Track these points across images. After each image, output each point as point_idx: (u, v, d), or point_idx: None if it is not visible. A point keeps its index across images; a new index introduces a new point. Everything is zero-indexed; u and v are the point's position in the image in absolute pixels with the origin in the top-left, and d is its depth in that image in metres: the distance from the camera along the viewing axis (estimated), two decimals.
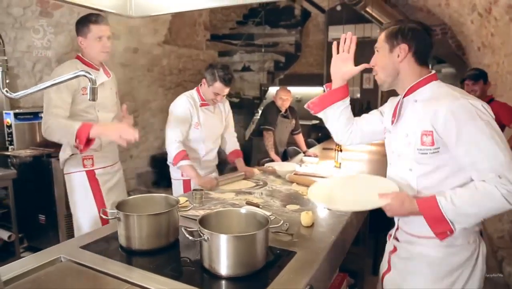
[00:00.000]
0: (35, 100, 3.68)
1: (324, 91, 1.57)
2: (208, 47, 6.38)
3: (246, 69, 6.63)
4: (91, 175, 2.14)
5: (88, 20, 2.00)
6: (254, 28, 6.89)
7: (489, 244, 3.49)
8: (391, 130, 1.42)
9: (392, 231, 1.47)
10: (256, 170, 2.64)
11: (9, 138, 3.26)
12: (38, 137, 3.45)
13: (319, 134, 5.77)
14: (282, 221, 1.43)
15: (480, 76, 3.08)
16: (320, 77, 6.53)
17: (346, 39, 1.45)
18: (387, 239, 1.51)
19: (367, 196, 1.35)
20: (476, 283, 1.29)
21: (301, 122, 4.31)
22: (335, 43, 1.48)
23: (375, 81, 1.56)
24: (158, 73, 5.27)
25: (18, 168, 3.14)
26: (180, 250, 1.39)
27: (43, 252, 1.31)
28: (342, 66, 1.46)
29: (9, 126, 3.24)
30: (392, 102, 1.47)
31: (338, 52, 1.47)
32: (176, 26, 5.50)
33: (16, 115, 3.25)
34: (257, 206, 1.82)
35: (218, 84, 2.32)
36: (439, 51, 6.57)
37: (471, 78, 3.07)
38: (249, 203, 1.86)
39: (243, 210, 1.37)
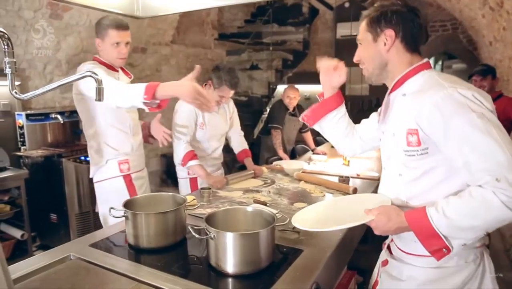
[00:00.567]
0: (46, 102, 3.74)
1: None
2: (216, 46, 6.40)
3: (254, 67, 6.62)
4: (128, 180, 2.08)
5: (108, 24, 1.92)
6: (262, 26, 6.88)
7: (501, 242, 3.43)
8: (383, 131, 1.27)
9: (388, 240, 1.36)
10: (264, 168, 2.65)
11: (21, 139, 3.32)
12: (50, 138, 3.51)
13: None
14: (288, 219, 1.43)
15: (489, 71, 3.04)
16: None
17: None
18: (382, 247, 1.39)
19: (354, 213, 1.19)
20: None
21: None
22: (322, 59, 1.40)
23: None
24: (166, 73, 5.30)
25: (30, 168, 3.20)
26: (188, 248, 1.40)
27: (53, 250, 1.33)
28: (330, 75, 1.38)
29: (21, 127, 3.30)
30: None
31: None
32: (184, 25, 5.52)
33: (27, 116, 3.31)
34: (264, 204, 1.82)
35: (224, 88, 2.34)
36: (450, 47, 6.47)
37: (479, 73, 3.03)
38: (256, 201, 1.86)
39: (249, 208, 1.37)
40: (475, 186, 0.98)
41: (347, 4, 6.28)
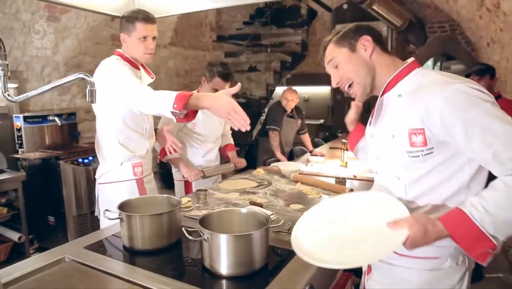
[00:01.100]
0: (44, 104, 3.75)
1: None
2: (214, 48, 6.41)
3: (252, 69, 6.63)
4: (140, 183, 2.00)
5: (135, 17, 1.82)
6: (261, 28, 6.89)
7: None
8: (373, 134, 1.23)
9: None
10: (261, 170, 2.65)
11: (19, 141, 3.32)
12: (47, 140, 3.51)
13: (326, 133, 5.75)
14: (282, 221, 1.43)
15: (486, 71, 2.94)
16: (327, 77, 6.42)
17: None
18: None
19: (371, 227, 1.03)
20: None
21: (308, 121, 4.30)
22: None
23: None
24: (164, 75, 5.31)
25: (28, 170, 3.20)
26: (183, 250, 1.40)
27: (48, 253, 1.34)
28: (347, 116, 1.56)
29: (19, 130, 3.31)
30: None
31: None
32: (182, 27, 5.54)
33: (25, 118, 3.31)
34: (260, 205, 1.82)
35: (217, 80, 2.32)
36: (448, 48, 6.48)
37: (476, 73, 2.93)
38: (252, 203, 1.86)
39: (243, 210, 1.37)
40: (507, 175, 0.93)
41: (345, 6, 6.30)
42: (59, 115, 3.54)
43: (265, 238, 1.19)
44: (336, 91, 6.27)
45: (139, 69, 1.96)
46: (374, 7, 4.55)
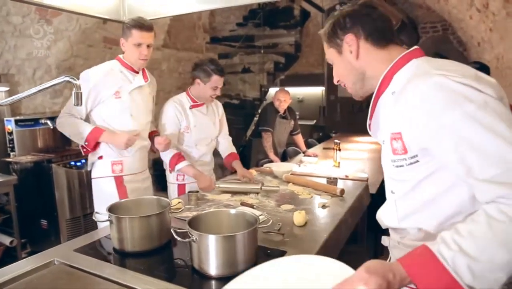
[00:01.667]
0: (36, 107, 3.73)
1: None
2: (208, 49, 6.41)
3: (246, 70, 6.64)
4: (119, 181, 2.10)
5: (132, 25, 1.97)
6: (254, 29, 6.91)
7: None
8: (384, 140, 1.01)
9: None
10: (253, 171, 2.65)
11: (11, 145, 3.30)
12: (39, 143, 3.49)
13: (320, 134, 5.77)
14: (271, 221, 1.43)
15: (481, 70, 2.96)
16: (321, 77, 6.54)
17: None
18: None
19: None
20: None
21: (302, 122, 4.32)
22: None
23: None
24: (158, 77, 5.26)
25: (20, 174, 3.18)
26: (173, 252, 1.40)
27: (37, 256, 1.33)
28: None
29: (10, 133, 3.28)
30: None
31: None
32: (175, 29, 5.53)
33: (17, 122, 3.28)
34: (251, 206, 1.83)
35: (215, 78, 2.34)
36: (441, 48, 6.53)
37: None
38: (243, 204, 1.87)
39: (232, 211, 1.38)
40: (489, 202, 0.72)
41: (338, 7, 6.32)
42: (51, 119, 3.51)
43: (253, 238, 1.20)
44: (329, 91, 6.31)
45: (137, 72, 2.11)
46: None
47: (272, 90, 6.31)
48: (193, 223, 1.25)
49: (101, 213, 1.39)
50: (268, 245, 1.37)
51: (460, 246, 0.69)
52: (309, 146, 4.34)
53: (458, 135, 0.75)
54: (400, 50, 0.97)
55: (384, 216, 1.04)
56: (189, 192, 2.00)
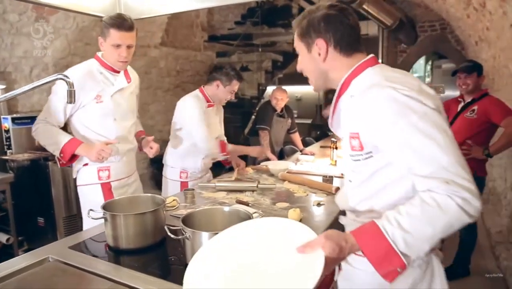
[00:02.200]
0: (33, 105, 3.72)
1: None
2: (206, 48, 6.41)
3: (244, 69, 6.64)
4: (106, 189, 1.96)
5: (110, 24, 1.78)
6: (252, 28, 6.90)
7: (488, 239, 3.47)
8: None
9: None
10: (250, 169, 2.66)
11: (7, 143, 3.30)
12: (36, 141, 3.48)
13: (318, 132, 5.77)
14: None
15: (474, 68, 2.80)
16: None
17: None
18: None
19: (283, 264, 0.88)
20: None
21: (299, 120, 4.32)
22: None
23: None
24: (156, 76, 5.30)
25: (16, 172, 3.18)
26: (168, 249, 1.40)
27: (32, 253, 1.34)
28: None
29: (7, 131, 3.28)
30: None
31: None
32: (173, 27, 5.53)
33: (13, 120, 3.28)
34: (246, 204, 1.84)
35: (235, 82, 2.46)
36: (439, 46, 6.55)
37: (464, 70, 2.80)
38: (239, 202, 1.88)
39: (226, 208, 1.38)
40: (424, 190, 0.90)
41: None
42: None
43: None
44: (327, 90, 6.30)
45: (118, 72, 1.95)
46: (364, 6, 4.57)
47: (270, 89, 6.31)
48: (187, 220, 1.25)
49: (95, 211, 1.39)
50: None
51: (399, 222, 0.89)
52: (306, 144, 4.34)
53: (403, 140, 0.92)
54: (361, 58, 1.09)
55: (342, 200, 1.21)
56: (184, 190, 2.01)
